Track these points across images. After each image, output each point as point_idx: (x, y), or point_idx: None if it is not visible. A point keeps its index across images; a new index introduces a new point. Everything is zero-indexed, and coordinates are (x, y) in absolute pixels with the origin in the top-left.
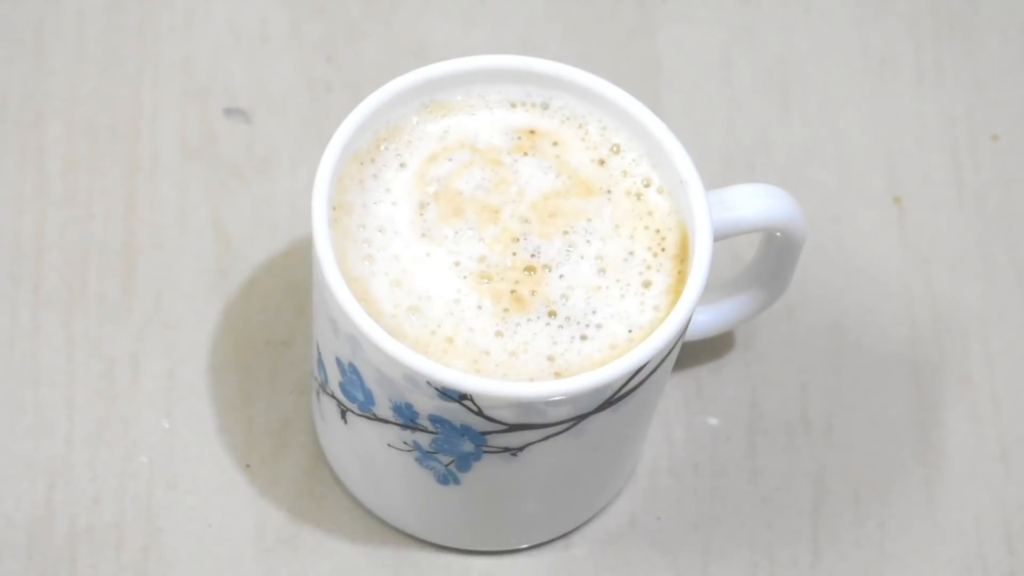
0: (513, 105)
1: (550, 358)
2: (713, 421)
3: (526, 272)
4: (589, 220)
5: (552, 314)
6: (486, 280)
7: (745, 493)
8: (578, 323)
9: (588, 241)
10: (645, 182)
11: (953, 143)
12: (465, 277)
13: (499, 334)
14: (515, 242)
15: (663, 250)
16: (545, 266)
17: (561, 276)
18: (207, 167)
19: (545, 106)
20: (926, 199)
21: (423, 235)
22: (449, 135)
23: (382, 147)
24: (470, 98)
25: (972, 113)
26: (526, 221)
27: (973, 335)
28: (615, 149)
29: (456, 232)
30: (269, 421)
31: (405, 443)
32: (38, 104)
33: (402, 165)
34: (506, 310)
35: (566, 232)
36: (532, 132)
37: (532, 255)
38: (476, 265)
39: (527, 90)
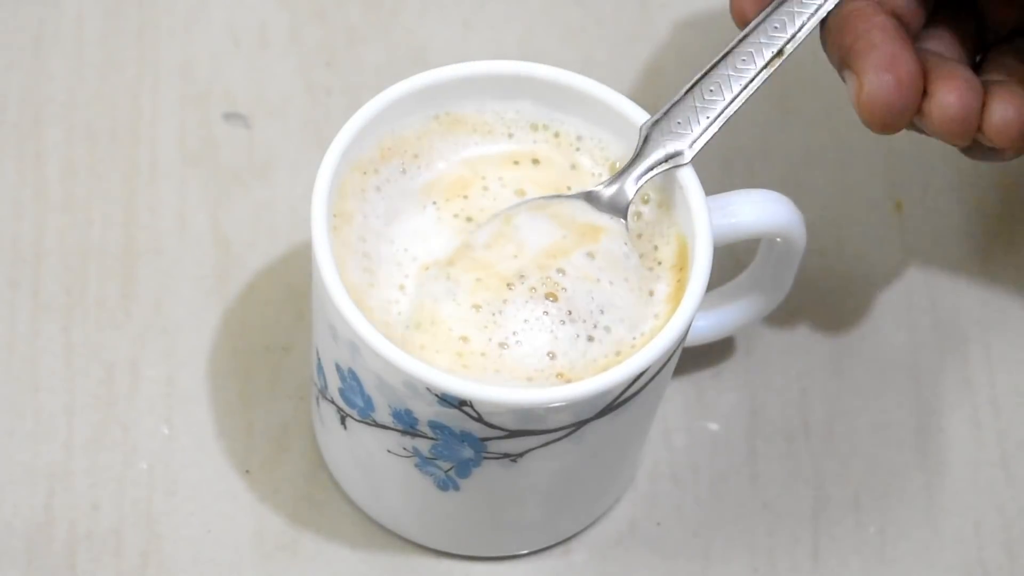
0: (535, 128)
1: (551, 354)
2: (713, 426)
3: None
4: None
5: (560, 321)
6: (481, 284)
7: (745, 498)
8: (584, 321)
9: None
10: (644, 199)
11: (954, 148)
12: (460, 282)
13: (485, 328)
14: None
15: (659, 263)
16: (551, 288)
17: (564, 288)
18: (206, 172)
19: (556, 134)
20: (927, 204)
21: (423, 246)
22: (457, 152)
23: (386, 158)
24: (483, 114)
25: None
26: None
27: (973, 340)
28: (612, 168)
29: (452, 241)
30: (269, 427)
31: (405, 449)
32: (37, 109)
33: (405, 174)
34: (500, 310)
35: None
36: (536, 162)
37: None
38: (472, 278)
39: (536, 108)
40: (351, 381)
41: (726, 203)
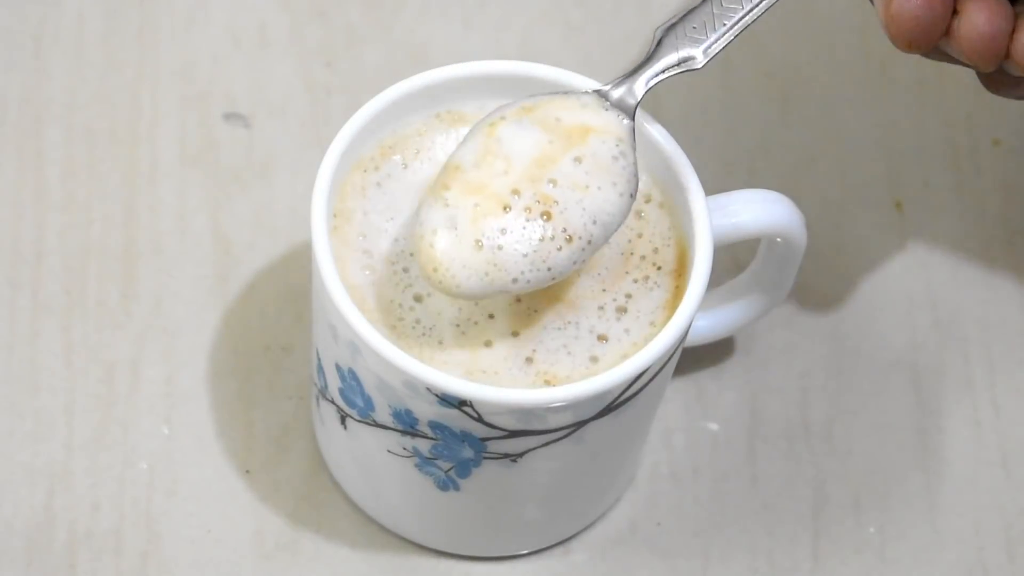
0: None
1: (552, 277)
2: (713, 427)
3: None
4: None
5: (562, 326)
6: (479, 209)
7: (745, 499)
8: (580, 238)
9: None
10: (646, 198)
11: (954, 148)
12: (460, 208)
13: (486, 275)
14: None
15: (658, 269)
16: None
17: (557, 202)
18: (206, 172)
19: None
20: (927, 204)
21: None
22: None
23: (387, 155)
24: (484, 111)
25: (973, 118)
26: (525, 205)
27: (973, 340)
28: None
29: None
30: (269, 427)
31: (405, 449)
32: (37, 109)
33: (407, 170)
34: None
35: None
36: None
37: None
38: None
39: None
40: (351, 381)
41: (726, 203)
